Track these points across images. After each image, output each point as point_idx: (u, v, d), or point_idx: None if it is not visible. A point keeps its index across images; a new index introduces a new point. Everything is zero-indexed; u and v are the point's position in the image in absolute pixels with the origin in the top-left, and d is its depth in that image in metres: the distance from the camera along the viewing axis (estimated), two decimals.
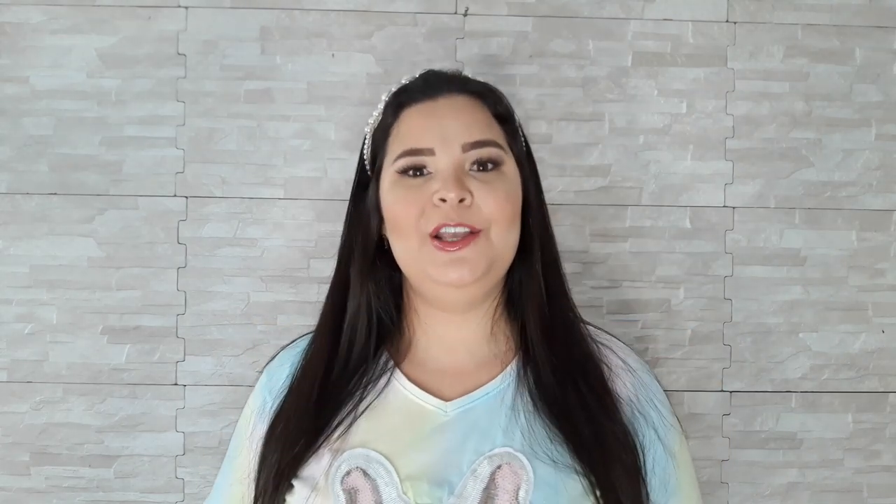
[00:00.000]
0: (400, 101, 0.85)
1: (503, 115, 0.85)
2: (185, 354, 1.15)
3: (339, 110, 1.16)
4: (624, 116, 1.17)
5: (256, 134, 1.16)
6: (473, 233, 0.79)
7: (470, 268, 0.79)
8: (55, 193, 1.15)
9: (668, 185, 1.17)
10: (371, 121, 0.88)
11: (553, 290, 0.86)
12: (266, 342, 1.15)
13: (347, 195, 1.14)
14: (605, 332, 0.92)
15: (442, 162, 0.80)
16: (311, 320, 1.13)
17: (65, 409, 1.14)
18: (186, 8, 1.16)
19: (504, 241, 0.81)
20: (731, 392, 1.17)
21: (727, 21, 1.18)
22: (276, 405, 0.86)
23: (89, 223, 1.15)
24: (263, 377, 0.92)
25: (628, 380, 0.86)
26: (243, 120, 1.16)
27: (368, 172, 0.88)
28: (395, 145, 0.83)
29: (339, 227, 1.15)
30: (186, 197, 1.16)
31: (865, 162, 1.19)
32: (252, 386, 1.13)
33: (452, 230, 0.79)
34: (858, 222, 1.18)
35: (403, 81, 0.89)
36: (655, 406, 0.85)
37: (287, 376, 0.88)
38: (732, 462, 1.17)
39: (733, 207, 1.18)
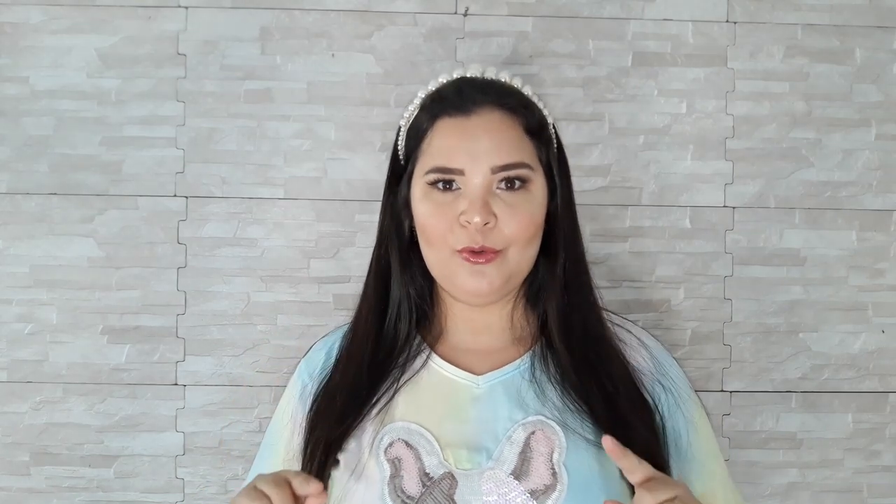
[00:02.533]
0: (434, 111, 0.87)
1: (535, 129, 0.87)
2: (185, 354, 1.15)
3: (339, 110, 1.16)
4: (624, 116, 1.17)
5: (256, 134, 1.16)
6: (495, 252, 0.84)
7: (489, 281, 0.84)
8: (55, 193, 1.15)
9: (668, 185, 1.17)
10: (406, 115, 0.90)
11: (576, 288, 0.90)
12: (266, 342, 1.15)
13: (347, 195, 1.16)
14: (624, 317, 0.96)
15: (471, 182, 0.84)
16: (311, 320, 1.14)
17: (65, 409, 1.14)
18: (186, 8, 1.16)
19: (521, 257, 0.86)
20: (731, 392, 1.17)
21: (727, 21, 1.18)
22: (317, 387, 0.90)
23: (89, 223, 1.15)
24: (301, 366, 0.95)
25: (644, 354, 0.91)
26: (243, 120, 1.16)
27: (402, 163, 0.91)
28: (428, 157, 0.86)
29: (339, 228, 1.16)
30: (186, 197, 1.16)
31: (865, 162, 1.19)
32: (252, 386, 1.15)
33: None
34: (858, 222, 1.18)
35: (441, 80, 0.90)
36: (671, 378, 0.90)
37: (323, 361, 0.92)
38: (732, 462, 1.17)
39: (733, 207, 1.18)
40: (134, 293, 1.15)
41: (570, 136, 1.16)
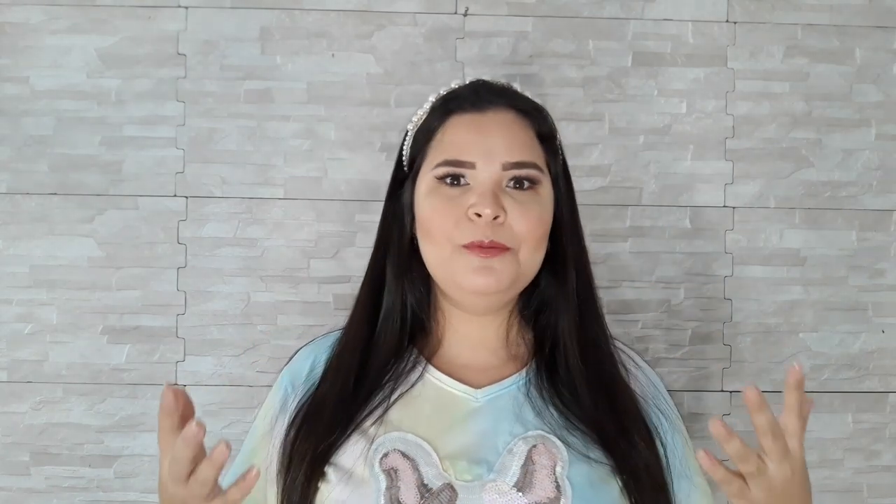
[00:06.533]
0: (448, 107, 0.86)
1: (546, 135, 0.87)
2: (185, 354, 1.15)
3: (339, 110, 1.16)
4: (624, 116, 1.17)
5: (256, 134, 1.16)
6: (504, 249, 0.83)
7: (497, 278, 0.82)
8: (55, 193, 1.15)
9: (668, 185, 1.17)
10: (415, 119, 0.89)
11: (587, 307, 0.90)
12: (266, 342, 1.15)
13: (347, 195, 1.15)
14: (618, 339, 0.95)
15: (481, 176, 0.82)
16: (311, 320, 1.14)
17: (65, 409, 1.14)
18: (186, 8, 1.16)
19: (530, 260, 0.84)
20: (731, 392, 1.17)
21: (727, 21, 1.18)
22: (301, 397, 0.88)
23: (89, 223, 1.15)
24: (284, 375, 0.92)
25: (642, 378, 0.91)
26: (243, 120, 1.16)
27: (405, 169, 0.90)
28: (438, 152, 0.85)
29: (339, 228, 1.16)
30: (186, 197, 1.16)
31: (865, 162, 1.19)
32: (252, 386, 1.15)
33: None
34: (858, 222, 1.18)
35: (453, 86, 0.90)
36: (665, 400, 0.91)
37: (309, 370, 0.90)
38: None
39: (733, 207, 1.18)
40: (134, 293, 1.15)
41: (570, 136, 1.16)
